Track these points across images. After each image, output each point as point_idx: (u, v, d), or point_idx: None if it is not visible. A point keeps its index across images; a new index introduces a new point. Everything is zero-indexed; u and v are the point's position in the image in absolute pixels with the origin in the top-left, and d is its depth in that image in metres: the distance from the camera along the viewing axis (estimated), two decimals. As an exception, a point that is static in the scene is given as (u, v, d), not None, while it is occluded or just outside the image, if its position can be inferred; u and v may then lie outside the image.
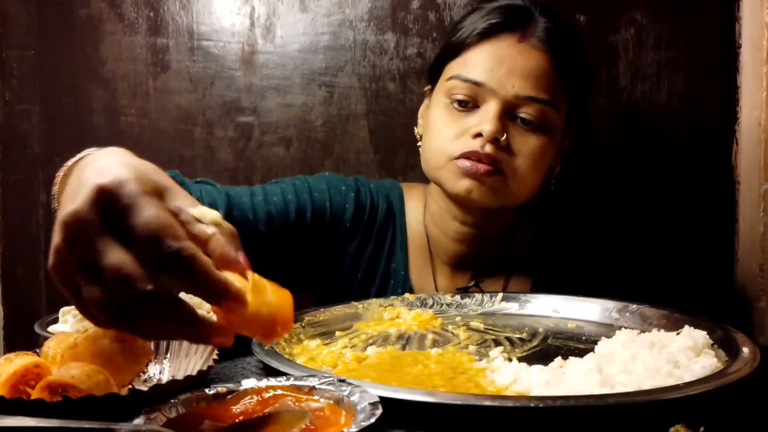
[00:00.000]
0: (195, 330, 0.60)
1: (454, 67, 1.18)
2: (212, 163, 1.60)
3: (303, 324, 1.00)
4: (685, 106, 1.50)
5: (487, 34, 1.16)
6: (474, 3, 1.46)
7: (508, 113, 1.14)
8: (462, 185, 1.14)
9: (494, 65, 1.14)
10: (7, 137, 1.64)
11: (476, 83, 1.14)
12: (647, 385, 0.72)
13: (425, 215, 1.30)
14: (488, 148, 1.12)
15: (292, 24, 1.58)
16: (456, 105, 1.16)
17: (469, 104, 1.16)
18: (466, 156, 1.13)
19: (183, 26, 1.59)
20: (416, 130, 1.29)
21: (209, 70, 1.60)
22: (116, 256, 0.57)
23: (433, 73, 1.25)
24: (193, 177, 1.57)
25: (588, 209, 1.37)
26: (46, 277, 1.65)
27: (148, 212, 0.58)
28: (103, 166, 0.61)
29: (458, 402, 0.67)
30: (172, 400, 0.65)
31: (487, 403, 0.66)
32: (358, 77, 1.57)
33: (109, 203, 0.59)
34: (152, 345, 0.82)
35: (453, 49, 1.20)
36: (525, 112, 1.14)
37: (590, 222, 1.33)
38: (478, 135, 1.13)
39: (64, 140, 1.63)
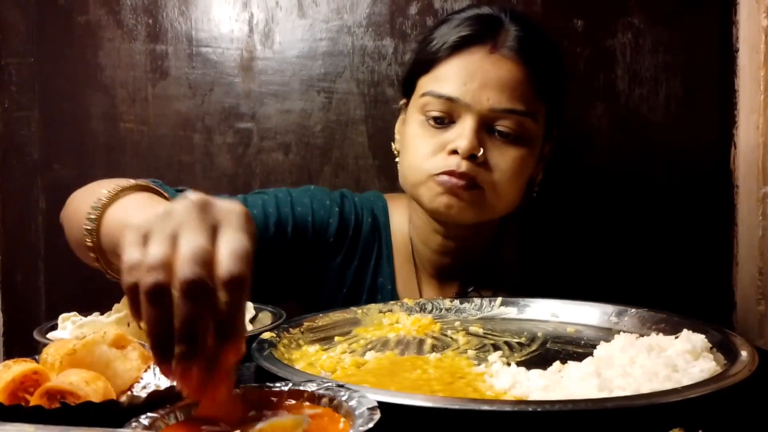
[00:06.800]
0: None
1: (427, 83, 1.16)
2: (211, 169, 1.60)
3: (302, 329, 1.00)
4: (683, 110, 1.51)
5: (457, 47, 1.14)
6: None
7: (484, 127, 1.13)
8: (440, 201, 1.13)
9: (467, 79, 1.12)
10: (6, 144, 1.64)
11: (450, 99, 1.12)
12: (646, 388, 0.72)
13: (409, 227, 1.28)
14: (464, 166, 1.11)
15: (290, 30, 1.58)
16: (431, 122, 1.15)
17: (445, 120, 1.14)
18: (444, 174, 1.12)
19: (182, 33, 1.60)
20: (393, 146, 1.27)
21: (208, 77, 1.60)
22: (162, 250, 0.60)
23: (406, 87, 1.23)
24: (192, 183, 1.59)
25: (578, 214, 1.36)
26: (45, 283, 1.65)
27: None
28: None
29: (456, 406, 0.67)
30: (171, 407, 0.65)
31: (486, 407, 0.66)
32: (356, 83, 1.57)
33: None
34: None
35: (424, 63, 1.18)
36: (502, 125, 1.12)
37: (580, 228, 1.32)
38: (454, 152, 1.11)
39: (63, 147, 1.63)
